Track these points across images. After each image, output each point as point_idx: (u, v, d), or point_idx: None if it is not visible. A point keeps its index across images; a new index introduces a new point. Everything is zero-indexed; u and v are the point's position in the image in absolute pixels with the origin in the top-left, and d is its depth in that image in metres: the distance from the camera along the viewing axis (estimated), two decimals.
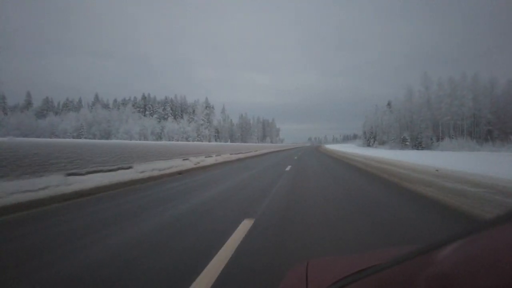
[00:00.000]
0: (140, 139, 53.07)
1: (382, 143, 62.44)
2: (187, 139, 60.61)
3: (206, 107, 77.31)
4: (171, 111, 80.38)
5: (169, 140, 57.41)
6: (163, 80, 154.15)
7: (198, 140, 62.39)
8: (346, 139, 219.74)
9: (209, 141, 67.16)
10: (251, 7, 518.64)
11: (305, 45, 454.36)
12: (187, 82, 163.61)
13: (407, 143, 44.53)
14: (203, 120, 71.49)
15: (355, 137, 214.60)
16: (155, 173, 8.13)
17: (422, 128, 43.15)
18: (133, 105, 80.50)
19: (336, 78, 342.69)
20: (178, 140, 58.29)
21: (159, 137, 59.06)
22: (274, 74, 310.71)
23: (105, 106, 74.35)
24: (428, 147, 41.43)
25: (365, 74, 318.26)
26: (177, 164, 9.89)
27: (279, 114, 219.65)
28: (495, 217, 0.33)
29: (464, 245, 0.35)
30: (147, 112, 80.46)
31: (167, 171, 8.75)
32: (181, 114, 79.94)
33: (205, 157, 13.22)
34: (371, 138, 73.83)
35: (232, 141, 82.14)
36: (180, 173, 9.22)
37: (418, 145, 42.76)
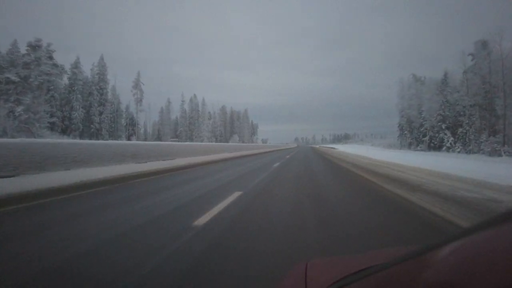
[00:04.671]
0: None
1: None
2: None
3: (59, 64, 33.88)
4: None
5: None
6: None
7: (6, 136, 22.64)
8: (336, 139, 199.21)
9: (74, 137, 31.37)
10: (234, 6, 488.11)
11: (287, 45, 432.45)
12: (166, 80, 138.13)
13: None
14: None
15: (346, 137, 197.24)
16: None
17: None
18: None
19: (322, 78, 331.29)
20: None
21: None
22: (258, 74, 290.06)
23: None
24: None
25: (348, 74, 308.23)
26: None
27: (265, 115, 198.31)
28: (493, 217, 0.33)
29: (463, 246, 0.35)
30: None
31: None
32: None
33: None
34: (438, 133, 41.45)
35: (184, 140, 52.55)
36: None
37: None
